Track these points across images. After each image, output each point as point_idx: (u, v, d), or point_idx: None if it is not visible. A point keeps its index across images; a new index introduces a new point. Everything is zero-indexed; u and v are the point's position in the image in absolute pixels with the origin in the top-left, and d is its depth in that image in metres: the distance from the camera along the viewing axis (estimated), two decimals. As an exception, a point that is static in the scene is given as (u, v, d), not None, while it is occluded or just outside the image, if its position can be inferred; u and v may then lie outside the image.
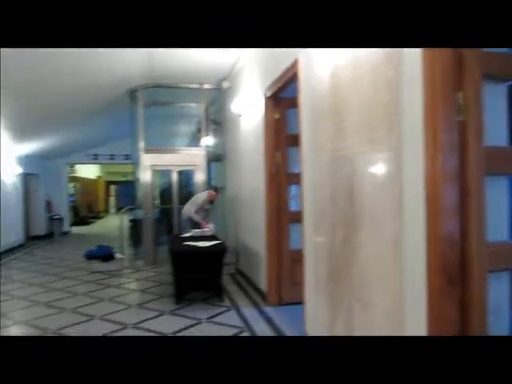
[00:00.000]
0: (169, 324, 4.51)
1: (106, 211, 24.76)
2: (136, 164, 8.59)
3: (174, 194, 8.44)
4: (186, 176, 9.40)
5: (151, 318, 4.74)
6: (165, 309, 5.07)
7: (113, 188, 26.62)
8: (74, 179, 17.31)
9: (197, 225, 6.58)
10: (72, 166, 15.51)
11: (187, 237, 5.94)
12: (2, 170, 9.59)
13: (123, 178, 25.21)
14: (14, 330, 4.55)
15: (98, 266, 7.49)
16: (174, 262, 5.19)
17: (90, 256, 7.55)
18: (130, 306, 5.30)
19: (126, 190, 25.39)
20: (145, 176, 8.02)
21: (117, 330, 4.36)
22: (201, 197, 6.82)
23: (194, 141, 10.74)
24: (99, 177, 24.20)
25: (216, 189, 6.90)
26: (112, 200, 26.50)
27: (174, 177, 8.45)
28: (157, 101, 8.57)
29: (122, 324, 4.56)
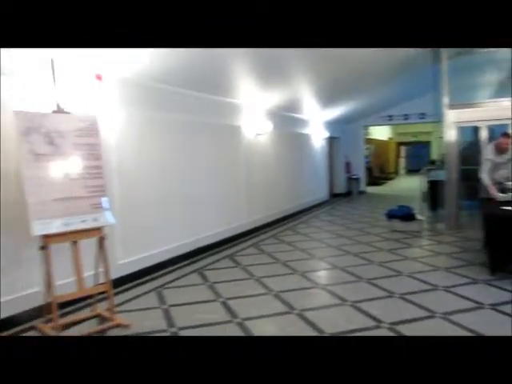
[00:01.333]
0: (484, 294, 4.17)
1: (396, 173, 24.89)
2: (438, 122, 8.14)
3: (481, 153, 7.57)
4: (493, 132, 8.27)
5: (462, 285, 4.50)
6: (477, 277, 4.71)
7: (403, 149, 26.43)
8: (368, 141, 18.04)
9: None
10: (366, 128, 16.14)
11: (503, 201, 5.24)
12: (313, 134, 10.99)
13: (413, 139, 24.64)
14: (333, 274, 5.22)
15: (398, 225, 7.65)
16: (490, 228, 4.71)
17: (391, 215, 7.78)
18: (437, 268, 5.19)
19: (417, 151, 24.78)
20: (449, 134, 7.50)
21: (426, 290, 4.36)
22: (486, 151, 5.74)
23: (503, 91, 9.24)
24: (390, 138, 24.42)
25: (506, 134, 5.65)
26: (402, 161, 26.40)
27: (483, 134, 7.57)
28: (461, 51, 7.75)
29: (430, 285, 4.53)
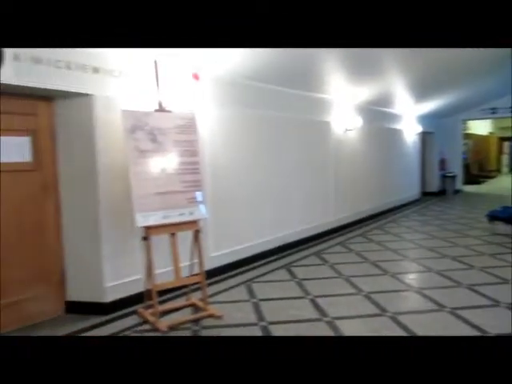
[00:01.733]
0: None
1: (498, 170, 22.77)
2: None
3: None
4: None
5: None
6: None
7: (506, 145, 24.08)
8: (467, 136, 16.73)
9: None
10: (465, 122, 14.97)
11: None
12: (405, 130, 10.46)
13: (520, 134, 22.29)
14: (428, 277, 4.91)
15: (501, 227, 6.99)
16: None
17: (493, 216, 7.13)
18: (550, 278, 4.65)
19: (523, 147, 22.40)
20: None
21: (539, 301, 3.93)
22: None
23: None
24: (491, 133, 22.39)
25: None
26: (504, 158, 24.08)
27: None
28: None
29: (544, 295, 4.07)
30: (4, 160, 3.47)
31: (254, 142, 5.47)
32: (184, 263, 3.97)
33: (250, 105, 5.37)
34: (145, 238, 3.58)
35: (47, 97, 3.67)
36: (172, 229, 3.74)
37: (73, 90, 3.55)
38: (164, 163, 3.69)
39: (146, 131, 3.60)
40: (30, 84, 3.28)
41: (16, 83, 3.20)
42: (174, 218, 3.68)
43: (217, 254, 4.90)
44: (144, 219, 3.51)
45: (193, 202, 3.84)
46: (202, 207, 3.89)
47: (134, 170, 3.49)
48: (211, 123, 4.78)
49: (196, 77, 4.40)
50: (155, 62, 3.83)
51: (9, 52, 3.08)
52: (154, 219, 3.56)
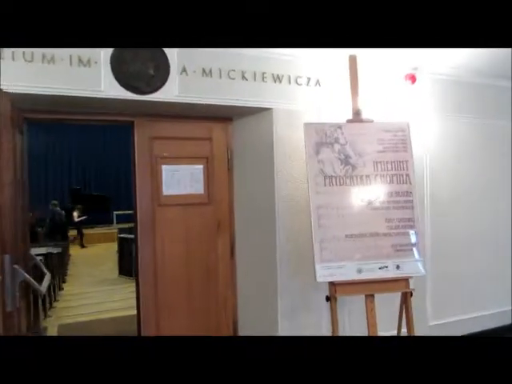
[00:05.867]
0: None
1: None
2: None
3: None
4: None
5: None
6: None
7: None
8: None
9: None
10: None
11: None
12: None
13: None
14: None
15: None
16: None
17: None
18: None
19: None
20: None
21: None
22: None
23: None
24: None
25: None
26: None
27: None
28: None
29: None
30: (175, 192, 3.05)
31: (496, 165, 3.85)
32: (384, 332, 2.75)
33: (486, 112, 3.80)
34: (328, 299, 2.56)
35: (222, 117, 3.14)
36: (369, 288, 2.59)
37: (250, 104, 2.90)
38: (360, 193, 2.63)
39: (335, 150, 2.63)
40: (199, 101, 2.78)
41: (184, 101, 2.74)
42: (373, 272, 2.55)
43: (438, 322, 3.47)
44: (328, 272, 2.50)
45: (403, 250, 2.63)
46: (417, 258, 2.64)
47: (316, 202, 2.54)
48: (430, 138, 3.48)
49: (412, 78, 3.24)
50: (351, 57, 2.84)
51: (174, 65, 2.64)
52: (342, 273, 2.52)
